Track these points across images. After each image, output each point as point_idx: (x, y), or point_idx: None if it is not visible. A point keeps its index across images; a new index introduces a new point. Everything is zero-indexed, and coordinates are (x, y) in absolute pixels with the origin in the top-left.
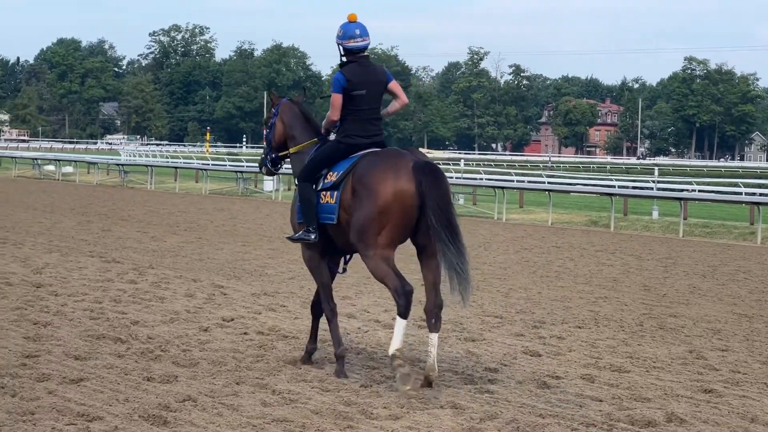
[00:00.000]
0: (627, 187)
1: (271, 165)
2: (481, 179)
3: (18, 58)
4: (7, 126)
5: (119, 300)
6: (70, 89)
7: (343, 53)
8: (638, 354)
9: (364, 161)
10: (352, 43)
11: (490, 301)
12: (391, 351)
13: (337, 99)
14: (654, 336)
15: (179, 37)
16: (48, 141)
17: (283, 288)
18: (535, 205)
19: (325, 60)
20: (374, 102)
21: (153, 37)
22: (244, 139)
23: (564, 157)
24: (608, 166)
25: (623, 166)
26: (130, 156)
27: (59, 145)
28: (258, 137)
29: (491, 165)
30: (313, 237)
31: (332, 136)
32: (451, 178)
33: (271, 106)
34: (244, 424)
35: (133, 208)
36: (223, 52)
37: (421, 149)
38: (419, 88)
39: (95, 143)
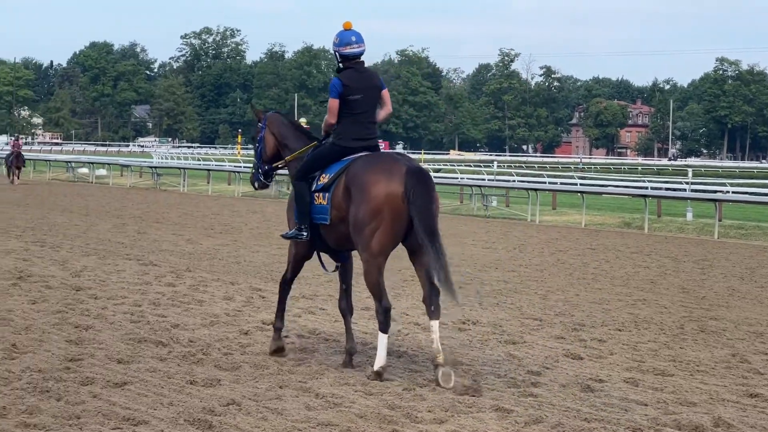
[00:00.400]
0: (660, 189)
1: (264, 178)
2: (514, 181)
3: (51, 62)
4: (40, 129)
5: (158, 303)
6: (102, 92)
7: (339, 60)
8: (681, 357)
9: (357, 163)
10: (348, 50)
11: (528, 303)
12: (375, 367)
13: (334, 104)
14: (696, 339)
15: (210, 39)
16: (81, 144)
17: (321, 291)
18: (568, 206)
19: None
20: (369, 106)
21: (184, 40)
22: None
23: (595, 158)
24: (639, 168)
25: (654, 168)
26: (162, 158)
27: (92, 148)
28: None
29: (522, 167)
30: (305, 235)
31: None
32: (483, 179)
33: (257, 121)
34: (290, 428)
35: (167, 211)
36: (253, 54)
37: (452, 151)
38: (450, 90)
39: (127, 146)
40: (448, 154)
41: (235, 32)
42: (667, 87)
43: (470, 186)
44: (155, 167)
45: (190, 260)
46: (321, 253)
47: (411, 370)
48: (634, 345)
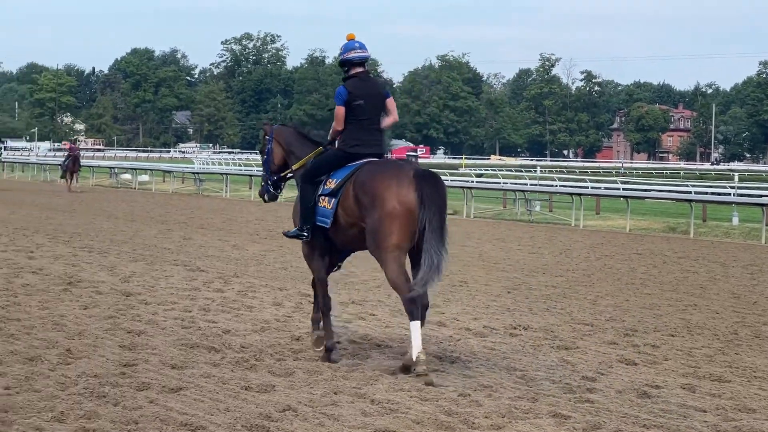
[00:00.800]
0: (705, 193)
1: (273, 189)
2: (556, 186)
3: (93, 69)
4: (82, 135)
5: (208, 309)
6: (143, 98)
7: (345, 68)
8: (737, 363)
9: (365, 170)
10: (352, 54)
11: (579, 308)
12: (414, 356)
13: (340, 111)
14: (750, 345)
15: (251, 45)
16: (123, 150)
17: (370, 296)
18: (611, 211)
19: (397, 67)
20: (374, 113)
21: (225, 46)
22: None
23: (636, 163)
24: (682, 172)
25: (697, 172)
26: (203, 164)
27: (133, 154)
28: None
29: (563, 171)
30: (305, 236)
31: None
32: (525, 184)
33: (264, 135)
34: None
35: (211, 217)
36: (294, 59)
37: (492, 156)
38: (490, 95)
39: (168, 152)
40: (489, 159)
41: (276, 38)
42: (710, 91)
43: (513, 191)
44: (198, 173)
45: (237, 266)
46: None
47: (465, 376)
48: (689, 351)
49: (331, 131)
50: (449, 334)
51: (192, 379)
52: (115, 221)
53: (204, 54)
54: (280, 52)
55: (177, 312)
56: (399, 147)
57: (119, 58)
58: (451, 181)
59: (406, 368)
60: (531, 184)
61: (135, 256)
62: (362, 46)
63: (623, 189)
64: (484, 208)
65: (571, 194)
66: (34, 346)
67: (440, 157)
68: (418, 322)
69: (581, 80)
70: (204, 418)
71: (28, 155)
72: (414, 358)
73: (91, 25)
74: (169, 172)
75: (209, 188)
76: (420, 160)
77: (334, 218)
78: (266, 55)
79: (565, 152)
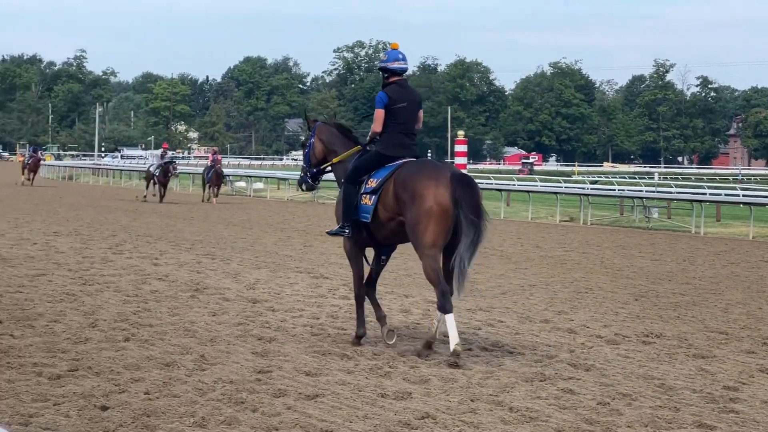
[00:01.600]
0: None
1: (311, 180)
2: (674, 192)
3: (207, 77)
4: (196, 143)
5: (336, 316)
6: (256, 106)
7: (387, 75)
8: None
9: (405, 169)
10: (396, 65)
11: (710, 316)
12: (452, 347)
13: (380, 114)
14: None
15: (363, 53)
16: (236, 158)
17: (496, 303)
18: (731, 218)
19: (509, 75)
20: (411, 118)
21: (337, 54)
22: (429, 154)
23: (754, 169)
24: None
25: None
26: None
27: (246, 162)
28: (442, 151)
29: (678, 178)
30: (346, 232)
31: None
32: (641, 191)
33: (308, 129)
34: None
35: (329, 224)
36: None
37: (605, 163)
38: (603, 102)
39: (281, 159)
40: (602, 166)
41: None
42: None
43: (631, 197)
44: None
45: None
46: (365, 248)
47: (602, 384)
48: None
49: (370, 132)
50: (581, 342)
51: (328, 386)
52: (233, 229)
53: (316, 62)
54: None
55: (305, 319)
56: (512, 154)
57: (232, 67)
58: (566, 187)
59: (428, 345)
60: (647, 191)
61: (258, 264)
62: (404, 58)
63: (743, 195)
64: (600, 215)
65: (690, 201)
66: (168, 351)
67: (552, 164)
68: (451, 315)
69: (696, 86)
70: (343, 425)
71: (145, 163)
72: (451, 348)
73: (204, 34)
74: (284, 179)
75: (324, 196)
76: (535, 168)
77: (374, 213)
78: (378, 63)
79: (680, 159)
